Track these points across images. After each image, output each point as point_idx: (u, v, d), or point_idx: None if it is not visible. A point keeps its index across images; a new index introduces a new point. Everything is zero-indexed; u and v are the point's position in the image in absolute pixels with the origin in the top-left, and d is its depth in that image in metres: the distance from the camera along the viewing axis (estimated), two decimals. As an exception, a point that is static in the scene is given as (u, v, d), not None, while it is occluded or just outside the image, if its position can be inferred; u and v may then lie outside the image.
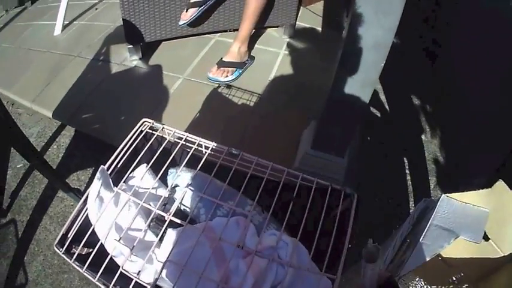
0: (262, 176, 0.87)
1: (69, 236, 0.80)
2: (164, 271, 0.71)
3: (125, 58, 2.32)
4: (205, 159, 0.90)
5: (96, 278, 0.74)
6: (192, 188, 0.88)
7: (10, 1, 3.30)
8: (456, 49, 2.12)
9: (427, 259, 0.85)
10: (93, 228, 0.80)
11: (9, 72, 2.41)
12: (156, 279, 0.71)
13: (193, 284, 0.69)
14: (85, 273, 0.76)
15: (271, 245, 0.78)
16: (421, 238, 0.86)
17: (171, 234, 0.78)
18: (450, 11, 2.20)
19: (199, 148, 0.94)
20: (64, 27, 2.69)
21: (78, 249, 0.80)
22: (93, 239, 0.79)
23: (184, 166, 0.92)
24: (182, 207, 0.92)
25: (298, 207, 0.83)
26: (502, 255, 0.93)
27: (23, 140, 1.38)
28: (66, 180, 1.78)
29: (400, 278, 0.83)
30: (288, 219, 0.80)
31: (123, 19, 2.07)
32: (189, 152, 0.93)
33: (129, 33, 2.16)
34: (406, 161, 1.94)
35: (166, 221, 0.77)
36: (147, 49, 2.33)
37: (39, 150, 1.96)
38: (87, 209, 0.83)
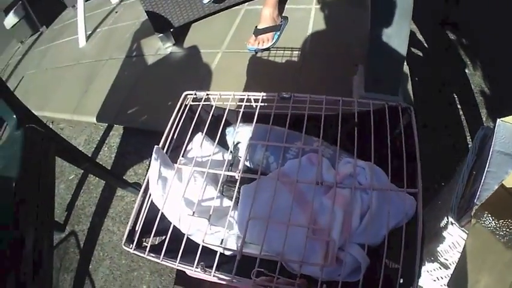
0: (320, 113, 0.84)
1: (137, 229, 0.77)
2: (248, 231, 0.68)
3: (159, 48, 2.33)
4: (260, 111, 0.87)
5: (177, 263, 0.71)
6: (254, 141, 0.86)
7: (23, 31, 3.37)
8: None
9: (496, 187, 0.82)
10: (161, 213, 0.77)
11: (41, 94, 2.47)
12: (243, 242, 0.67)
13: (283, 235, 0.66)
14: (163, 262, 0.73)
15: (349, 172, 0.75)
16: (486, 166, 0.84)
17: (246, 191, 0.76)
18: None
19: (251, 104, 0.91)
20: (88, 37, 2.74)
21: (150, 240, 0.78)
22: (163, 226, 0.76)
23: (240, 122, 0.89)
24: (250, 163, 0.91)
25: (363, 134, 0.80)
26: None
27: (67, 147, 1.40)
28: (124, 177, 1.79)
29: (475, 212, 0.82)
30: (356, 146, 0.77)
31: (146, 11, 2.08)
32: (241, 111, 0.89)
33: (156, 23, 2.17)
34: (456, 97, 1.88)
35: (237, 180, 0.74)
36: (178, 34, 2.33)
37: (89, 156, 1.97)
38: (150, 197, 0.80)
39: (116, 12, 3.01)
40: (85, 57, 2.58)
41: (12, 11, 3.34)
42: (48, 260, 1.06)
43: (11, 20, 3.38)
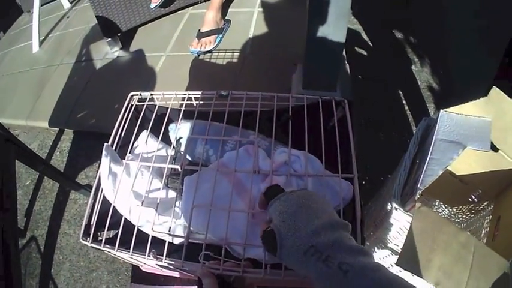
0: (256, 109, 0.89)
1: (92, 223, 0.81)
2: (193, 218, 0.72)
3: (106, 52, 2.38)
4: (200, 109, 0.92)
5: (131, 253, 0.74)
6: (195, 135, 0.91)
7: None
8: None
9: (440, 172, 0.85)
10: (113, 207, 0.80)
11: (-2, 101, 2.46)
12: (189, 228, 0.72)
13: (225, 221, 0.71)
14: (118, 253, 0.77)
15: (284, 161, 0.81)
16: (429, 154, 0.88)
17: (189, 182, 0.81)
18: None
19: (191, 102, 0.96)
20: (41, 42, 2.74)
21: (105, 232, 0.82)
22: (116, 219, 0.80)
23: (181, 119, 0.94)
24: (191, 157, 0.96)
25: (297, 126, 0.86)
26: (516, 165, 0.95)
27: (25, 150, 1.43)
28: (76, 180, 1.83)
29: (422, 197, 0.85)
30: (291, 137, 0.83)
31: (96, 16, 2.11)
32: (182, 109, 0.94)
33: (105, 28, 2.21)
34: (401, 94, 1.97)
35: (180, 172, 0.79)
36: (125, 38, 2.39)
37: (44, 160, 1.99)
38: (102, 192, 0.83)
39: (68, 17, 3.00)
40: (38, 63, 2.58)
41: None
42: (16, 263, 1.07)
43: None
